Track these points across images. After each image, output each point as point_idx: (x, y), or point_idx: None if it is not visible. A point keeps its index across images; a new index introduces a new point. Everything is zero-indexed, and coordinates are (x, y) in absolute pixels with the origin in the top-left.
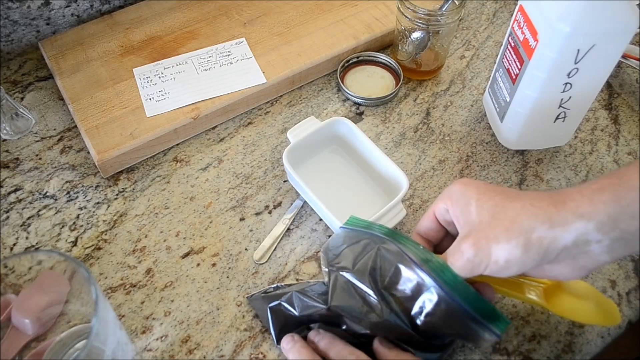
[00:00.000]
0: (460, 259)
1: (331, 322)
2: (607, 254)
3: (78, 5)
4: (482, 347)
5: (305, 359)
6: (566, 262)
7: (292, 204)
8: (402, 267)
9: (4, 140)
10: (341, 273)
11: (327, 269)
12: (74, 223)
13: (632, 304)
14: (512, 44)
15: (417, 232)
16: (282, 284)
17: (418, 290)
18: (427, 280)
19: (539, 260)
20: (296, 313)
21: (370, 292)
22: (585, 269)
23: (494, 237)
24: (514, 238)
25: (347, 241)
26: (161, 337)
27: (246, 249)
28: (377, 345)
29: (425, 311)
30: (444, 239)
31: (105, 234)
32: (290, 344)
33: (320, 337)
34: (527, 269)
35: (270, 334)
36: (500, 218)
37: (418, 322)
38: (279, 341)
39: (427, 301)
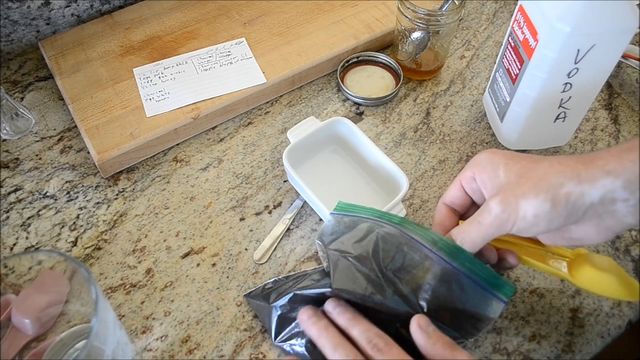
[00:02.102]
0: (489, 217)
1: None
2: (632, 216)
3: (78, 5)
4: (491, 316)
5: (332, 338)
6: (592, 222)
7: (292, 204)
8: (405, 248)
9: (4, 140)
10: (342, 256)
11: (324, 254)
12: (74, 223)
13: (632, 304)
14: (512, 44)
15: (443, 201)
16: (281, 276)
17: (423, 267)
18: (431, 255)
19: (566, 216)
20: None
21: (374, 274)
22: (610, 230)
23: (522, 194)
24: (542, 193)
25: (342, 227)
26: (161, 337)
27: (246, 249)
28: (415, 328)
29: (432, 287)
30: (470, 209)
31: (105, 234)
32: (313, 319)
33: (340, 312)
34: (554, 225)
35: (269, 331)
36: (528, 177)
37: (425, 301)
38: (276, 338)
39: (433, 276)
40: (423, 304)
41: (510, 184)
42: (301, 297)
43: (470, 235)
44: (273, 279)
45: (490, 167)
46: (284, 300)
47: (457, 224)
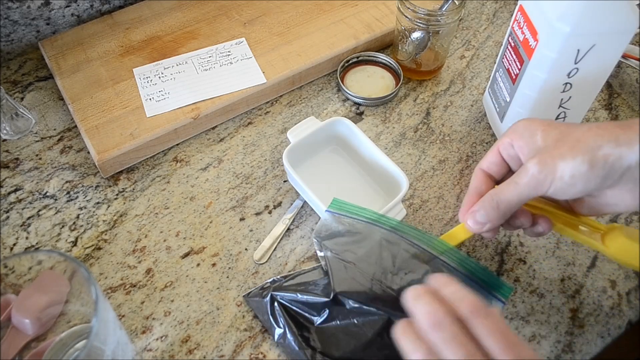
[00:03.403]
0: (525, 177)
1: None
2: None
3: (78, 5)
4: None
5: (436, 313)
6: (628, 187)
7: (292, 204)
8: (403, 251)
9: (4, 140)
10: (340, 259)
11: (321, 252)
12: (74, 223)
13: (632, 304)
14: (512, 44)
15: (480, 167)
16: (279, 276)
17: (421, 269)
18: (429, 256)
19: (603, 178)
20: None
21: (375, 276)
22: None
23: (559, 155)
24: (580, 155)
25: (341, 228)
26: (161, 337)
27: (246, 249)
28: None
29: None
30: (506, 176)
31: (105, 234)
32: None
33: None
34: (590, 187)
35: (269, 331)
36: (565, 140)
37: None
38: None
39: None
40: None
41: (547, 147)
42: (300, 302)
43: (506, 195)
44: (271, 279)
45: (527, 133)
46: (281, 299)
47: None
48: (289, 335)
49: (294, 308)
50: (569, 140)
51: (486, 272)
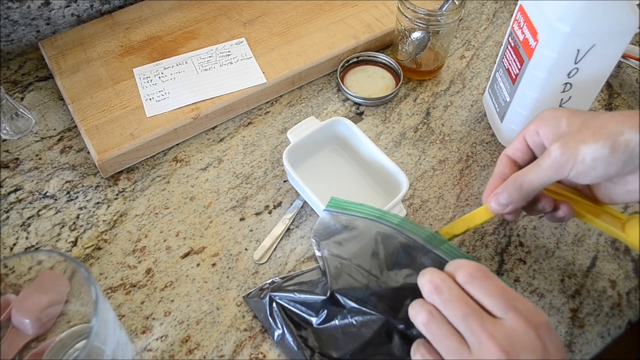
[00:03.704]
0: (548, 159)
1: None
2: None
3: (78, 5)
4: None
5: (435, 280)
6: None
7: (292, 204)
8: (403, 248)
9: (4, 140)
10: (337, 257)
11: (319, 252)
12: (74, 223)
13: (632, 304)
14: (512, 44)
15: (505, 153)
16: (278, 277)
17: (421, 266)
18: (428, 254)
19: (624, 162)
20: (297, 311)
21: (373, 274)
22: None
23: (582, 139)
24: (602, 139)
25: (338, 226)
26: (161, 337)
27: (246, 249)
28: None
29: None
30: (530, 163)
31: (105, 234)
32: (428, 317)
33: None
34: (611, 171)
35: (268, 331)
36: (588, 126)
37: None
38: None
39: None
40: None
41: (571, 133)
42: (298, 302)
43: (529, 177)
44: (270, 280)
45: (553, 120)
46: (279, 299)
47: None
48: (287, 336)
49: (292, 308)
50: (592, 125)
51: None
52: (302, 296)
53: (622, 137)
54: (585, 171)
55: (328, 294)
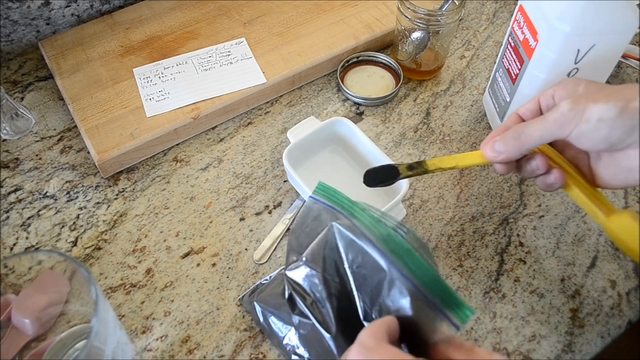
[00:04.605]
0: (555, 113)
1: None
2: None
3: (78, 5)
4: (435, 340)
5: None
6: None
7: (292, 204)
8: (358, 246)
9: (4, 140)
10: (295, 259)
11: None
12: (74, 223)
13: (632, 304)
14: (512, 44)
15: (517, 112)
16: (263, 279)
17: (372, 271)
18: (380, 259)
19: (629, 129)
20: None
21: (327, 276)
22: None
23: (593, 99)
24: (614, 100)
25: (309, 220)
26: (161, 337)
27: (246, 249)
28: None
29: (382, 293)
30: None
31: (105, 234)
32: None
33: None
34: (615, 136)
35: (264, 334)
36: (605, 90)
37: (373, 308)
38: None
39: (383, 282)
40: (371, 308)
41: (586, 94)
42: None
43: (530, 128)
44: (259, 282)
45: (572, 84)
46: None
47: None
48: (279, 342)
49: (272, 316)
50: (608, 90)
51: (443, 287)
52: (276, 301)
53: (633, 103)
54: (587, 132)
55: (287, 297)
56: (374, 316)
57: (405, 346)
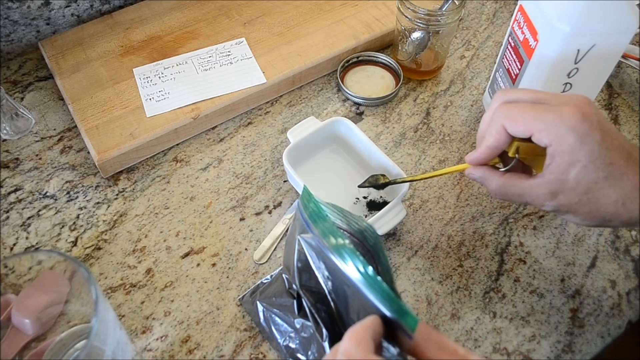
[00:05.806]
0: (541, 180)
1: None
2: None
3: (78, 5)
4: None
5: None
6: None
7: (292, 204)
8: (315, 258)
9: (4, 140)
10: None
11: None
12: (74, 223)
13: (632, 304)
14: (512, 44)
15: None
16: (264, 278)
17: (328, 280)
18: (337, 269)
19: (602, 178)
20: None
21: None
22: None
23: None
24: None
25: (297, 224)
26: (161, 337)
27: (246, 249)
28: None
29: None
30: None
31: (105, 234)
32: None
33: None
34: (586, 179)
35: (263, 335)
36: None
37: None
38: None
39: (334, 292)
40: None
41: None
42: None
43: (516, 189)
44: (259, 281)
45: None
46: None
47: None
48: (279, 345)
49: (275, 316)
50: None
51: (388, 296)
52: (280, 300)
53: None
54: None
55: (295, 294)
56: (353, 318)
57: (389, 343)
